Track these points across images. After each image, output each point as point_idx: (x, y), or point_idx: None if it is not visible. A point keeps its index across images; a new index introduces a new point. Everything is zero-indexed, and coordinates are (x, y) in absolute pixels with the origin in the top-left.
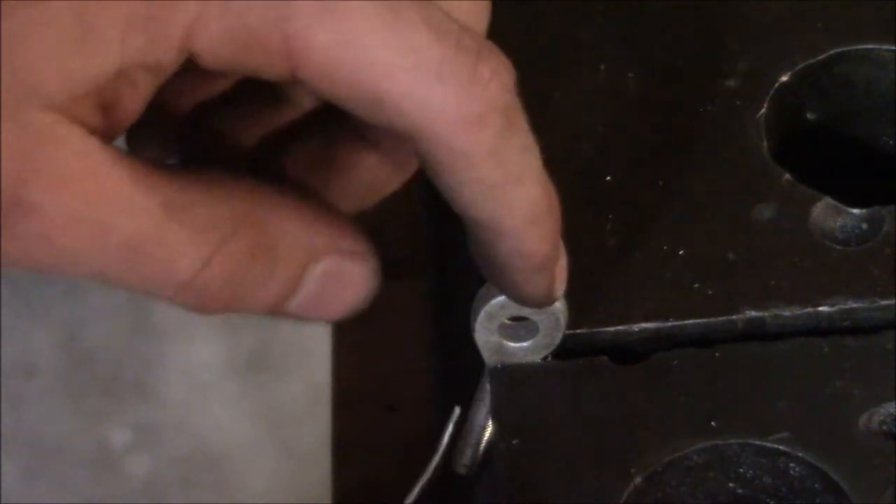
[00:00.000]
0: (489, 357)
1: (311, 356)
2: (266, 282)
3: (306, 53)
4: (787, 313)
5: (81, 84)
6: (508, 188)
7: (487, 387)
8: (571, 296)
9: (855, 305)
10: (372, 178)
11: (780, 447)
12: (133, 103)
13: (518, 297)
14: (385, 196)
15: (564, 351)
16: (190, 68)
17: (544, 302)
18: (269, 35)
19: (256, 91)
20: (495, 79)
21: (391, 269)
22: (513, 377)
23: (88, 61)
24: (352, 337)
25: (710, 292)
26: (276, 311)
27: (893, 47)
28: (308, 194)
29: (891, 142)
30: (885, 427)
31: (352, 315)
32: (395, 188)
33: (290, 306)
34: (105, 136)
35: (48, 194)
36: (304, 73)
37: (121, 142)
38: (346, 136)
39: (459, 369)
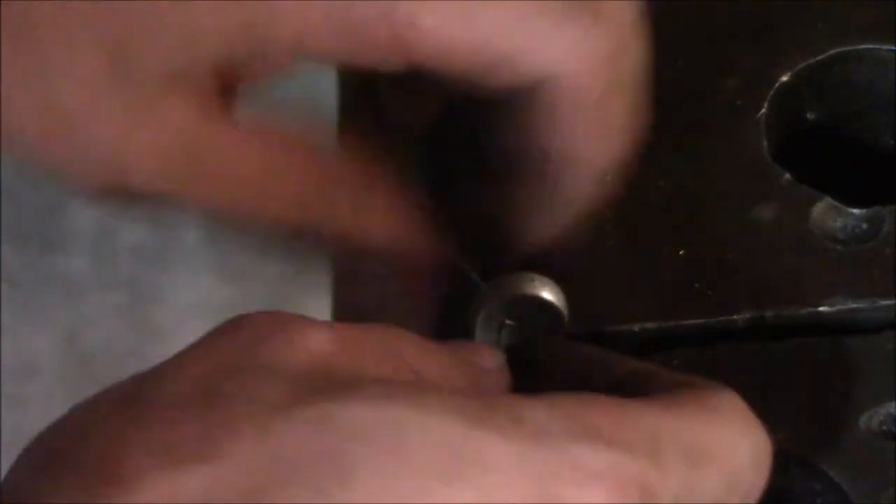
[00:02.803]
0: None
1: None
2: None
3: (416, 40)
4: (787, 313)
5: (185, 72)
6: (617, 125)
7: None
8: (572, 296)
9: (855, 305)
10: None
11: (780, 447)
12: (250, 77)
13: (541, 229)
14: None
15: None
16: None
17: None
18: (377, 31)
19: None
20: (619, 13)
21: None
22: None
23: (193, 57)
24: None
25: (710, 292)
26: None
27: (893, 47)
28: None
29: (891, 142)
30: (885, 427)
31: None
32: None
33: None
34: (223, 93)
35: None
36: (417, 56)
37: None
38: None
39: None
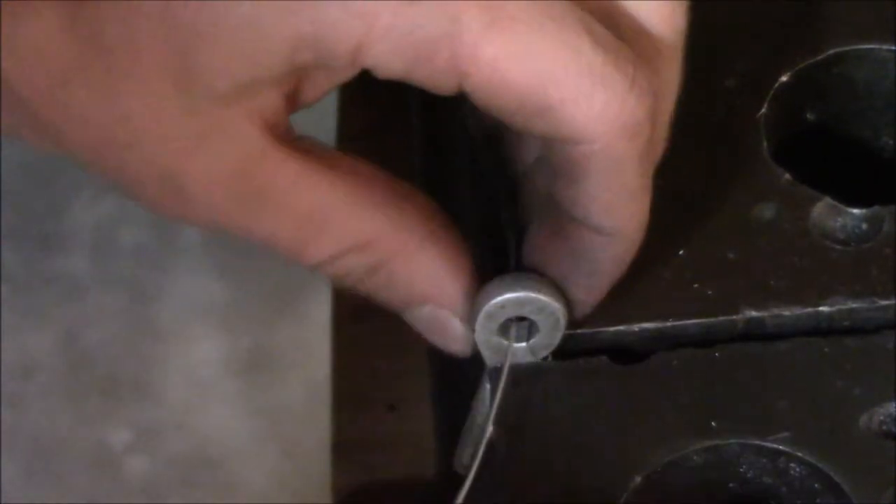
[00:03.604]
0: (489, 357)
1: (311, 356)
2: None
3: (474, 68)
4: (787, 313)
5: (250, 85)
6: (640, 195)
7: (487, 387)
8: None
9: (855, 305)
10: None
11: (780, 447)
12: (312, 92)
13: (581, 300)
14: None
15: (564, 351)
16: None
17: (586, 312)
18: (438, 51)
19: None
20: (649, 87)
21: None
22: (513, 377)
23: (257, 70)
24: (352, 337)
25: (710, 292)
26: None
27: (893, 47)
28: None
29: (891, 142)
30: (885, 427)
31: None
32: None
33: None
34: (287, 109)
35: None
36: (470, 85)
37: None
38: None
39: (459, 369)
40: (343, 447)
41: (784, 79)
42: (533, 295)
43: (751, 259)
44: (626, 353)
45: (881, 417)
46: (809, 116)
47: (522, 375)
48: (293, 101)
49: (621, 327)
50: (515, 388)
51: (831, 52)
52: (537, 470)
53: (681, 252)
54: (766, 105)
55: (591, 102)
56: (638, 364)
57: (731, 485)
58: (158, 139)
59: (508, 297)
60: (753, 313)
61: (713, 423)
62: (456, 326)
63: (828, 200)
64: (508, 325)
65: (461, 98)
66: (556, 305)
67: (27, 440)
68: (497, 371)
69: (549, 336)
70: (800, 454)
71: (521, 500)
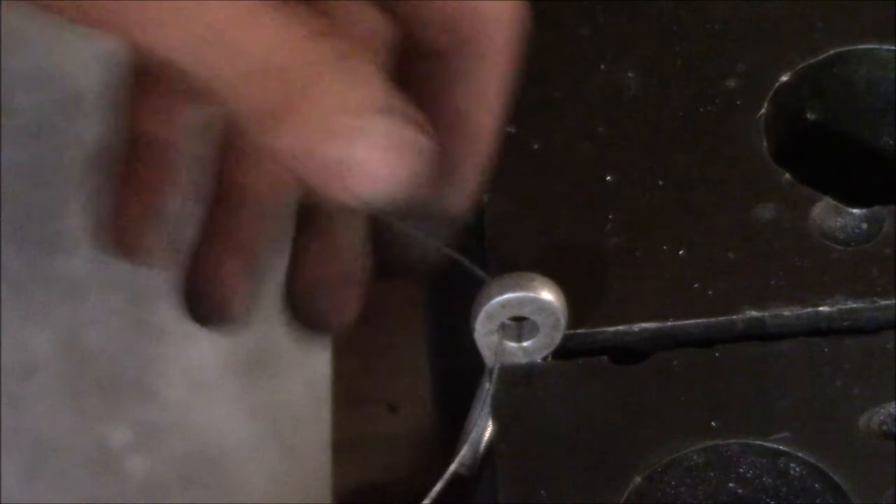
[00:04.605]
0: (489, 357)
1: (311, 356)
2: (335, 101)
3: None
4: (787, 313)
5: None
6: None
7: (487, 387)
8: (571, 296)
9: (855, 305)
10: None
11: (780, 447)
12: None
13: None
14: None
15: (564, 351)
16: None
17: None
18: None
19: None
20: None
21: (390, 269)
22: (513, 377)
23: None
24: (352, 337)
25: (710, 292)
26: (325, 163)
27: (893, 47)
28: None
29: (891, 142)
30: (885, 427)
31: (386, 205)
32: None
33: (345, 157)
34: None
35: None
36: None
37: None
38: None
39: (459, 369)
40: (343, 447)
41: (784, 79)
42: (533, 295)
43: (751, 259)
44: (626, 353)
45: (881, 417)
46: (809, 116)
47: (522, 375)
48: None
49: (621, 327)
50: (515, 388)
51: (831, 52)
52: (537, 470)
53: (681, 252)
54: (766, 105)
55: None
56: (638, 364)
57: (730, 485)
58: None
59: (508, 297)
60: (753, 313)
61: (713, 423)
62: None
63: (828, 200)
64: (508, 325)
65: None
66: (556, 305)
67: (27, 440)
68: (497, 371)
69: (548, 336)
70: (800, 454)
71: (521, 501)
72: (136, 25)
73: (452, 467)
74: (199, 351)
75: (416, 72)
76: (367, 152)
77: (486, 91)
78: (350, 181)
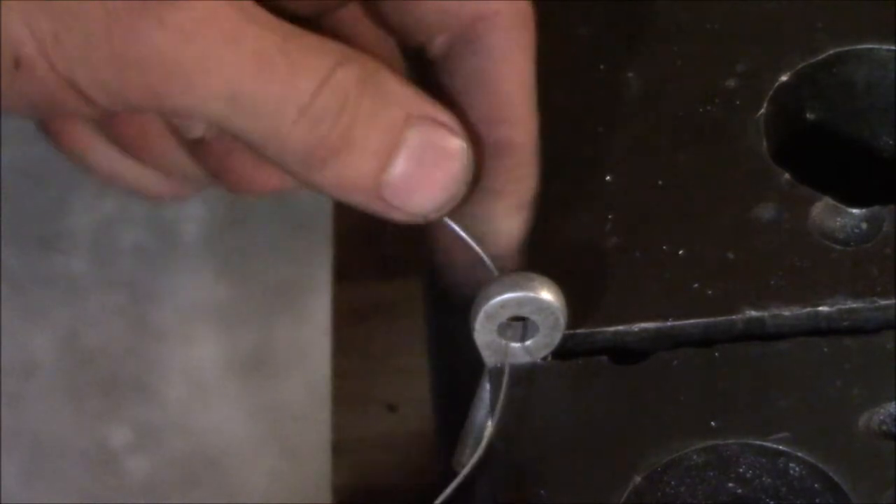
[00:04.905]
0: (489, 357)
1: (311, 356)
2: (370, 128)
3: None
4: (787, 313)
5: None
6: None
7: (487, 387)
8: (571, 296)
9: (855, 305)
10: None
11: (780, 447)
12: None
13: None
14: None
15: (564, 351)
16: None
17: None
18: None
19: None
20: None
21: (390, 269)
22: (512, 377)
23: None
24: (352, 337)
25: (710, 292)
26: (374, 189)
27: (893, 47)
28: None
29: (891, 142)
30: (885, 427)
31: (440, 213)
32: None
33: (389, 180)
34: None
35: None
36: None
37: None
38: None
39: (459, 369)
40: (343, 447)
41: (784, 79)
42: (533, 295)
43: (751, 259)
44: (626, 353)
45: (881, 417)
46: (809, 116)
47: (522, 375)
48: None
49: (621, 327)
50: (515, 388)
51: (831, 52)
52: (537, 470)
53: (681, 252)
54: (766, 105)
55: None
56: (638, 364)
57: (730, 485)
58: None
59: (508, 297)
60: (753, 313)
61: (713, 423)
62: (448, 142)
63: (828, 200)
64: (508, 325)
65: None
66: (556, 305)
67: (27, 440)
68: (497, 371)
69: (548, 336)
70: (800, 454)
71: (520, 500)
72: (169, 93)
73: (466, 470)
74: (199, 351)
75: (430, 76)
76: (411, 168)
77: (505, 77)
78: (403, 201)
